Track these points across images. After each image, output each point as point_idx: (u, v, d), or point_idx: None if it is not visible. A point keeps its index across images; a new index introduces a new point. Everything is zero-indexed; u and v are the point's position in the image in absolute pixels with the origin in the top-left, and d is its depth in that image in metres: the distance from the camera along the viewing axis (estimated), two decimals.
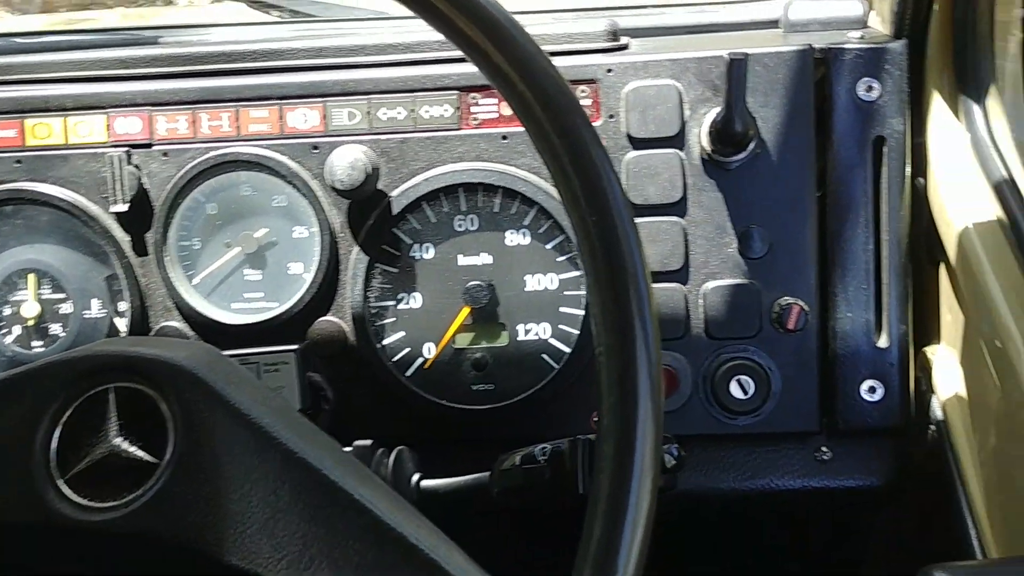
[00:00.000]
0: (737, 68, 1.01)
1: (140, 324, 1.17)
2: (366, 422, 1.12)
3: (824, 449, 1.12)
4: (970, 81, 1.08)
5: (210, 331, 1.15)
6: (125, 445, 0.79)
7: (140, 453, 0.79)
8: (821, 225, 1.10)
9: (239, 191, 1.17)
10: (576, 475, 0.85)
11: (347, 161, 1.09)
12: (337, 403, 1.12)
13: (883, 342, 1.09)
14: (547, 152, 0.68)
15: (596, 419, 1.10)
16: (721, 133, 1.04)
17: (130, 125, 1.17)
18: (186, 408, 0.79)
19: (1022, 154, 1.06)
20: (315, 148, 1.15)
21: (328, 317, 1.15)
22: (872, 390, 1.09)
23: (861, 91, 1.08)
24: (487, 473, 0.96)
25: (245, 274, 1.17)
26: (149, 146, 1.16)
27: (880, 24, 1.20)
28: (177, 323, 1.17)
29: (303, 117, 1.15)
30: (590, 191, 0.67)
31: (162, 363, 0.80)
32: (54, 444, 0.79)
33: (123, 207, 1.14)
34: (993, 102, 1.06)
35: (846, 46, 1.09)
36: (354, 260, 1.13)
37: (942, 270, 1.14)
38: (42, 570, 0.80)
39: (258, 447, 0.78)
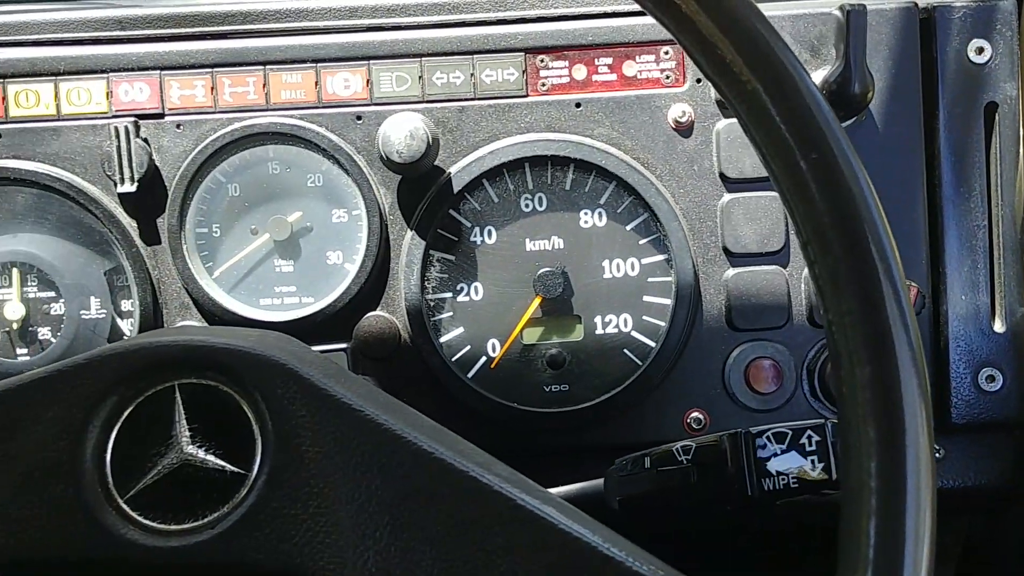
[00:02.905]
0: (856, 19, 0.90)
1: (150, 325, 1.00)
2: None
3: (936, 446, 1.01)
4: None
5: None
6: (201, 454, 0.63)
7: (222, 463, 0.63)
8: (930, 199, 1.00)
9: (267, 169, 1.01)
10: (744, 475, 0.72)
11: (406, 130, 0.94)
12: None
13: (999, 327, 0.99)
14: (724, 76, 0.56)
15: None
16: (836, 95, 0.93)
17: (136, 92, 1.00)
18: (277, 407, 0.64)
19: None
20: (358, 118, 1.00)
21: (378, 312, 1.00)
22: (991, 379, 0.99)
23: (971, 53, 0.99)
24: (599, 481, 0.82)
25: (275, 265, 1.01)
26: (160, 116, 1.00)
27: None
28: (195, 322, 1.01)
29: (344, 82, 1.00)
30: (799, 117, 0.55)
31: (242, 354, 0.65)
32: (108, 455, 0.63)
33: (131, 187, 0.97)
34: None
35: (954, 4, 1.00)
36: (408, 246, 0.99)
37: None
38: None
39: (375, 449, 0.63)
